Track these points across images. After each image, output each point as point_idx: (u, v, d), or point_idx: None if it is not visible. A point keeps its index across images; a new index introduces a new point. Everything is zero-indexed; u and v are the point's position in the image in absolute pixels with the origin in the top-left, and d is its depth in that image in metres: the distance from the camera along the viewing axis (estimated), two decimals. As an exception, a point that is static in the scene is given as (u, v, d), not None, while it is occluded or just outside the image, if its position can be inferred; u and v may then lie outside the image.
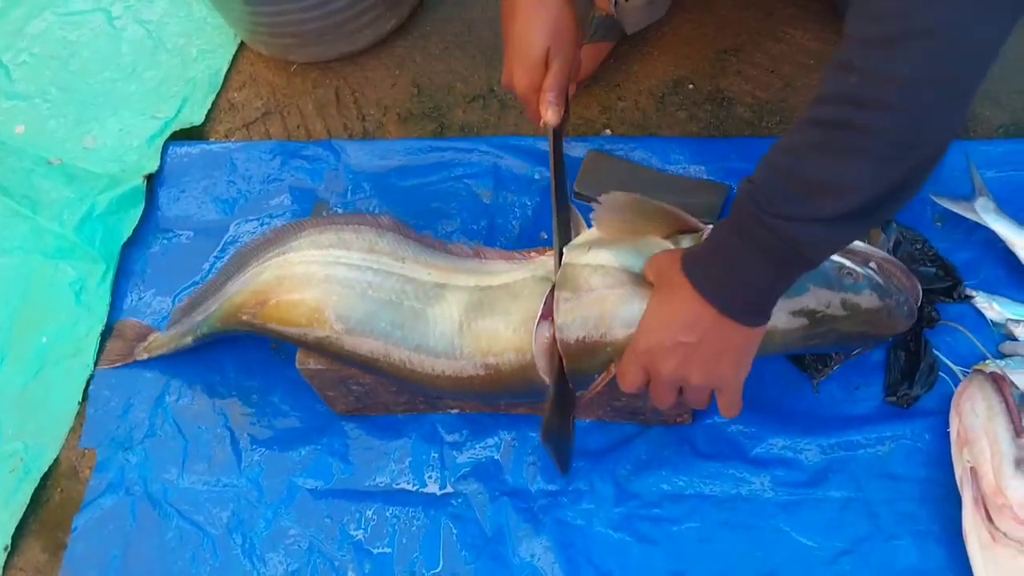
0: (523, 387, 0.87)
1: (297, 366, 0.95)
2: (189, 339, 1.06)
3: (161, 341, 1.10)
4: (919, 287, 0.87)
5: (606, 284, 0.83)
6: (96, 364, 1.13)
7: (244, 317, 0.96)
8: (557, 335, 0.84)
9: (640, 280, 0.82)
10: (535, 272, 0.88)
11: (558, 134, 0.91)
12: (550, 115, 0.88)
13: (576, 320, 0.83)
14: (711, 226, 0.82)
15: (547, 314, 0.85)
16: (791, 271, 0.72)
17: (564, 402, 0.87)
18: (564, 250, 0.87)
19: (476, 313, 0.87)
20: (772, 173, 0.69)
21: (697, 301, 0.74)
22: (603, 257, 0.84)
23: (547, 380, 0.86)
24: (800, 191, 0.67)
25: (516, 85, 0.90)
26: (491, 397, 0.93)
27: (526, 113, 0.93)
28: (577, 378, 0.86)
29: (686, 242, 0.83)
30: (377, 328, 0.88)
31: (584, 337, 0.83)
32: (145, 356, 1.11)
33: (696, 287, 0.74)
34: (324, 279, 0.90)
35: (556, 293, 0.84)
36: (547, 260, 0.89)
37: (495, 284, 0.89)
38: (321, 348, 0.92)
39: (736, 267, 0.72)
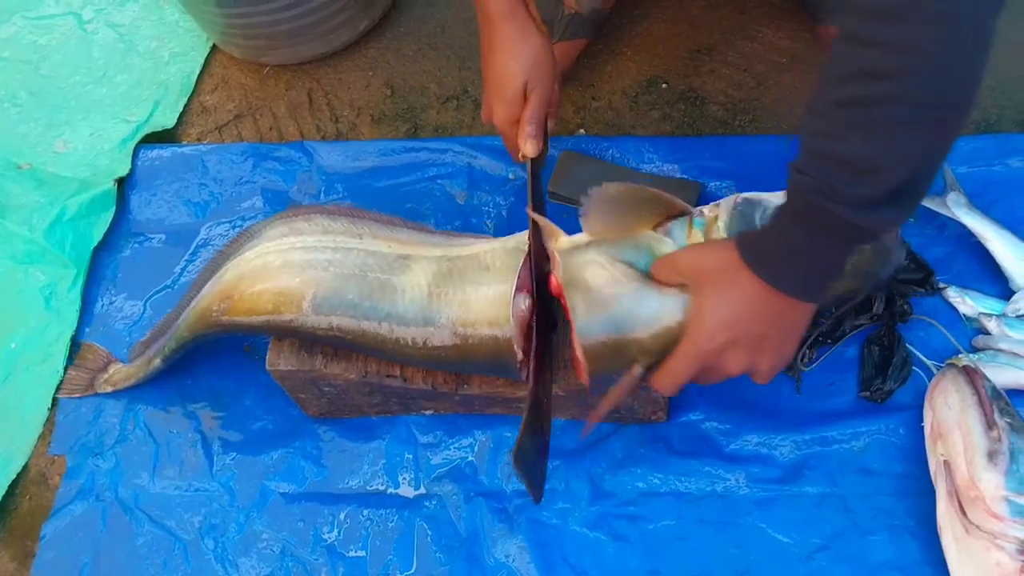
0: (493, 360, 0.86)
1: (267, 367, 0.94)
2: (158, 361, 1.05)
3: (125, 373, 1.09)
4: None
5: (616, 281, 0.80)
6: (57, 390, 1.11)
7: (212, 317, 0.95)
8: (577, 339, 0.80)
9: (648, 276, 0.80)
10: (505, 244, 0.87)
11: (536, 166, 0.91)
12: (529, 147, 0.89)
13: (597, 321, 0.80)
14: (700, 208, 0.82)
15: (522, 286, 0.84)
16: (855, 247, 0.72)
17: (539, 421, 0.85)
18: (558, 252, 0.84)
19: (446, 282, 0.86)
20: (820, 160, 0.68)
21: (764, 291, 0.73)
22: (604, 253, 0.82)
23: (521, 354, 0.85)
24: (851, 174, 0.66)
25: (495, 118, 0.91)
26: (460, 367, 0.91)
27: (505, 145, 0.93)
28: (596, 380, 0.84)
29: (677, 230, 0.82)
30: (344, 301, 0.88)
31: (607, 338, 0.80)
32: (108, 389, 1.09)
33: (763, 278, 0.72)
34: (282, 265, 0.90)
35: (566, 292, 0.81)
36: (517, 235, 0.88)
37: (463, 254, 0.88)
38: (291, 331, 0.91)
39: (804, 255, 0.71)
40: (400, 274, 0.89)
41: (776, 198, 0.79)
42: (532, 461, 0.84)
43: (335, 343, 0.92)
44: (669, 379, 0.79)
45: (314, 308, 0.89)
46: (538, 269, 0.87)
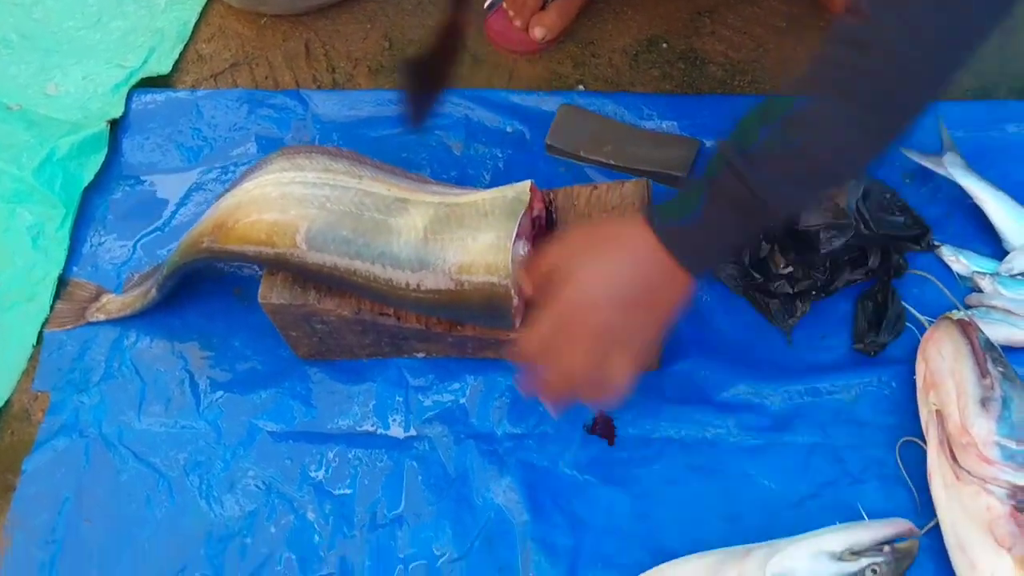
0: (487, 306, 0.86)
1: (260, 300, 0.93)
2: (153, 291, 1.04)
3: (120, 302, 1.08)
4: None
5: None
6: (44, 326, 1.09)
7: (204, 244, 0.94)
8: None
9: None
10: (504, 193, 0.87)
11: None
12: None
13: None
14: None
15: (522, 233, 0.84)
16: (756, 228, 0.74)
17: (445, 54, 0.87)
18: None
19: (443, 226, 0.86)
20: (750, 128, 0.70)
21: (652, 245, 0.73)
22: None
23: (516, 300, 0.85)
24: (782, 126, 0.67)
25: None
26: (453, 313, 0.91)
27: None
28: None
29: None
30: (338, 237, 0.87)
31: None
32: (101, 317, 1.08)
33: (675, 254, 0.72)
34: (280, 196, 0.89)
35: None
36: (516, 184, 0.88)
37: (462, 201, 0.88)
38: (283, 263, 0.90)
39: (713, 230, 0.72)
40: (397, 215, 0.88)
41: (803, 560, 0.77)
42: (419, 84, 0.86)
43: (327, 280, 0.91)
44: (527, 338, 0.77)
45: (307, 242, 0.88)
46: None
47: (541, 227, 0.91)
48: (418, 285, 0.87)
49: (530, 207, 0.87)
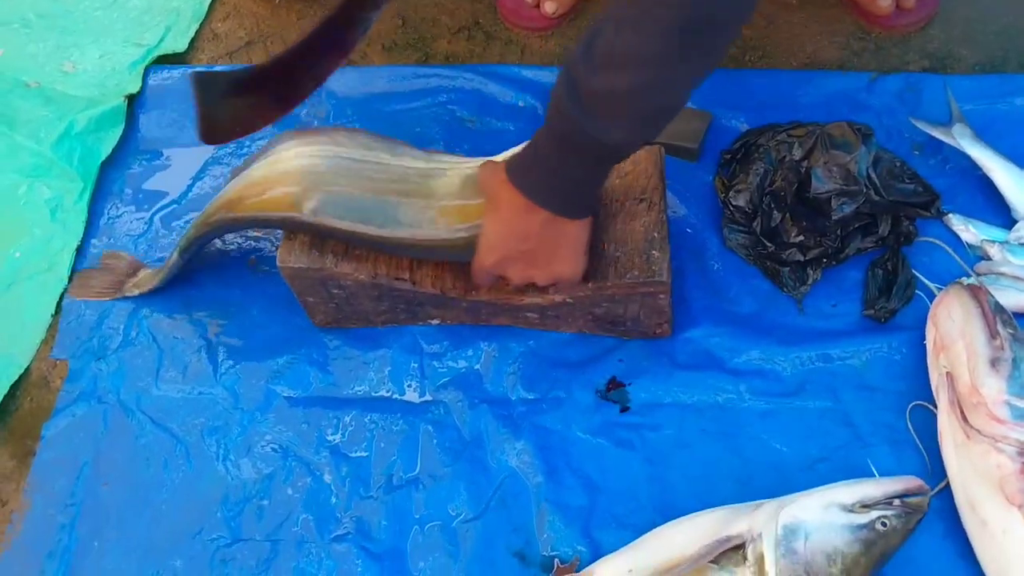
0: None
1: (278, 263, 0.94)
2: (175, 255, 1.05)
3: (149, 274, 1.09)
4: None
5: None
6: (67, 291, 1.11)
7: (225, 212, 0.96)
8: None
9: None
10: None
11: None
12: None
13: None
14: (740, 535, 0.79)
15: None
16: (604, 165, 0.79)
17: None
18: None
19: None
20: (579, 57, 0.72)
21: (527, 208, 0.80)
22: None
23: None
24: (600, 62, 0.70)
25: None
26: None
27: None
28: None
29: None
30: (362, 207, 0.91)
31: None
32: (136, 292, 1.09)
33: (525, 194, 0.79)
34: (311, 167, 0.93)
35: None
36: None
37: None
38: (300, 227, 0.93)
39: (557, 170, 0.78)
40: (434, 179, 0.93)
41: (815, 511, 0.78)
42: (219, 95, 0.86)
43: (350, 239, 0.93)
44: (475, 279, 0.90)
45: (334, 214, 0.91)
46: None
47: None
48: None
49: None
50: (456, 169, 0.92)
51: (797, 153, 0.99)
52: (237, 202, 0.95)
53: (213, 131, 0.88)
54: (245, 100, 0.88)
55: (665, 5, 0.66)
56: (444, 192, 0.90)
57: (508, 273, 0.87)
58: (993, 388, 0.83)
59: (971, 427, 0.84)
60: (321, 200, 0.90)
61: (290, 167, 0.93)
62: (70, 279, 1.12)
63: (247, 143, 1.20)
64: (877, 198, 0.96)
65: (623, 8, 0.69)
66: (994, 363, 0.84)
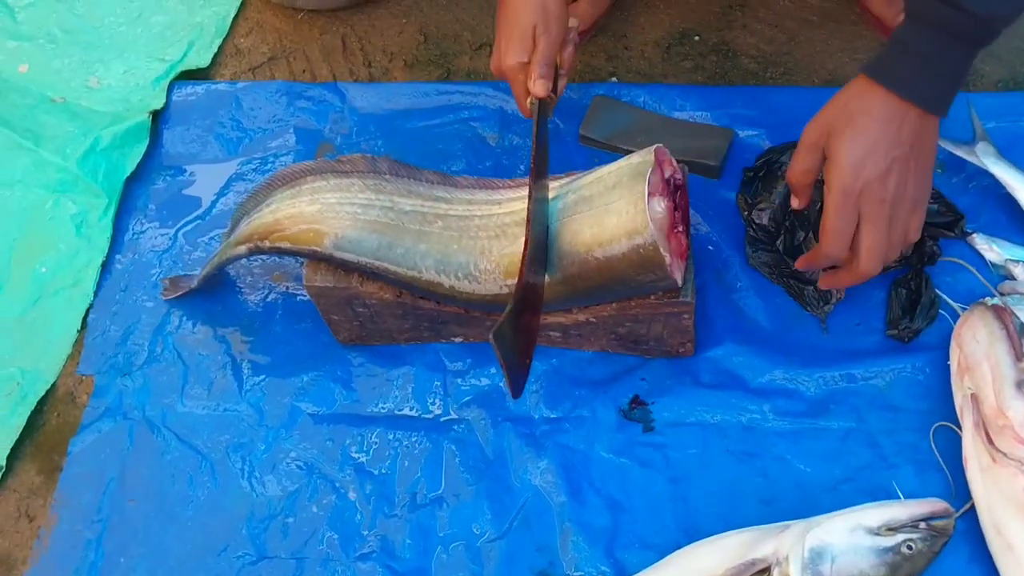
0: (639, 271, 0.85)
1: (304, 283, 0.95)
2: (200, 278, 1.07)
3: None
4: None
5: None
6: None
7: (256, 242, 0.97)
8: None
9: None
10: (629, 160, 0.86)
11: (543, 109, 0.91)
12: (538, 87, 0.90)
13: None
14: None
15: (655, 191, 0.84)
16: (975, 48, 0.76)
17: (527, 309, 0.83)
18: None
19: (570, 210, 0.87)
20: None
21: (896, 106, 0.76)
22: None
23: (668, 257, 0.83)
24: None
25: (504, 62, 0.92)
26: (603, 293, 0.90)
27: (514, 93, 0.94)
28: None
29: None
30: (393, 254, 0.90)
31: None
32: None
33: (894, 90, 0.76)
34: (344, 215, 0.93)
35: None
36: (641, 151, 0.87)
37: (584, 182, 0.88)
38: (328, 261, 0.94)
39: (929, 57, 0.75)
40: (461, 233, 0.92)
41: (841, 534, 0.78)
42: (513, 347, 0.80)
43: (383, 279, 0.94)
44: (827, 235, 0.81)
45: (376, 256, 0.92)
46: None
47: (680, 189, 0.89)
48: (471, 291, 0.89)
49: (659, 167, 0.85)
50: (494, 214, 0.91)
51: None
52: (264, 235, 0.96)
53: (521, 385, 0.83)
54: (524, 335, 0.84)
55: None
56: (486, 238, 0.89)
57: (875, 194, 0.78)
58: (1019, 411, 0.83)
59: (997, 450, 0.83)
60: (348, 241, 0.91)
61: (315, 207, 0.93)
62: (95, 294, 1.13)
63: (271, 159, 1.21)
64: (901, 218, 0.96)
65: None
66: (1020, 385, 0.84)
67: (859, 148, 0.78)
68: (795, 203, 0.89)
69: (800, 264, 0.91)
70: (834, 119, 0.80)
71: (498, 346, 0.75)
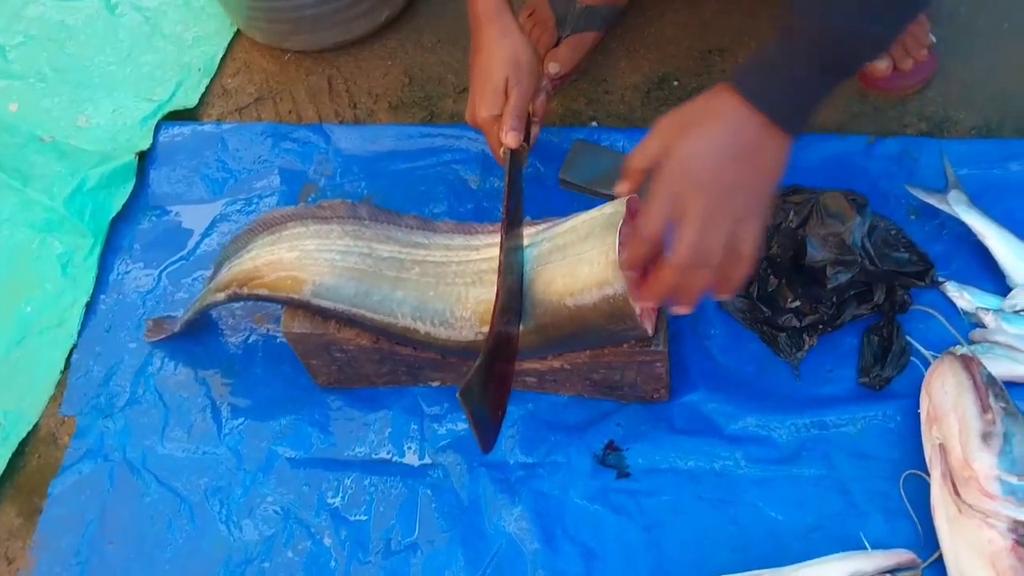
0: (610, 321, 0.86)
1: (282, 329, 0.96)
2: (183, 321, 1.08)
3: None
4: None
5: None
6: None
7: (234, 288, 0.99)
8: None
9: None
10: (601, 211, 0.88)
11: (516, 160, 0.93)
12: (510, 139, 0.92)
13: None
14: None
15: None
16: (834, 76, 0.77)
17: (496, 363, 0.83)
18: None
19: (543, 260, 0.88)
20: None
21: (745, 115, 0.75)
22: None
23: (638, 307, 0.83)
24: None
25: (478, 114, 0.94)
26: (574, 341, 0.91)
27: (488, 143, 0.96)
28: None
29: None
30: (370, 300, 0.92)
31: None
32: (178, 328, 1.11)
33: (746, 98, 0.75)
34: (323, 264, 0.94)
35: None
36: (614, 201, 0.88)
37: (558, 231, 0.90)
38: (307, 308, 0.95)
39: (787, 72, 0.75)
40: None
41: None
42: (482, 401, 0.81)
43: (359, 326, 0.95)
44: (646, 215, 0.78)
45: (354, 303, 0.93)
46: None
47: None
48: (448, 337, 0.90)
49: (631, 217, 0.86)
50: (471, 260, 0.93)
51: (793, 221, 1.00)
52: (243, 282, 0.97)
53: (491, 439, 0.84)
54: (496, 386, 0.85)
55: None
56: (463, 285, 0.91)
57: (699, 188, 0.75)
58: (984, 463, 0.84)
59: (963, 501, 0.84)
60: (326, 288, 0.92)
61: (295, 254, 0.95)
62: (79, 334, 1.14)
63: (255, 200, 1.22)
64: (872, 267, 0.97)
65: None
66: (985, 437, 0.85)
67: (697, 144, 0.77)
68: (621, 188, 0.85)
69: (626, 263, 0.83)
70: (688, 114, 0.79)
71: (465, 403, 0.76)
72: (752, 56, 0.79)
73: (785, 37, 0.77)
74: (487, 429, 0.82)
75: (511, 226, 0.90)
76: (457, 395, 0.76)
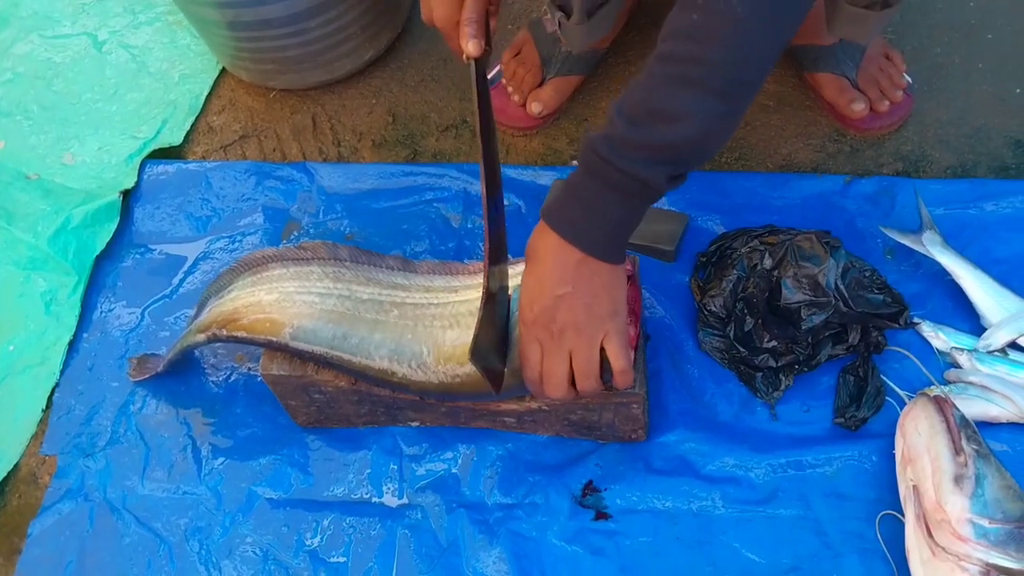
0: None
1: (260, 371, 0.97)
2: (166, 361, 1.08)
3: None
4: None
5: None
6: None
7: (214, 330, 0.99)
8: None
9: None
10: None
11: (480, 67, 0.91)
12: (471, 47, 0.89)
13: None
14: None
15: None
16: (639, 204, 0.79)
17: (495, 315, 0.88)
18: None
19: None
20: (617, 113, 0.76)
21: (562, 248, 0.79)
22: None
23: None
24: (641, 119, 0.74)
25: (435, 18, 0.92)
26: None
27: (449, 46, 0.93)
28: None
29: None
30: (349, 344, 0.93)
31: None
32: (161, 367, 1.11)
33: (557, 231, 0.79)
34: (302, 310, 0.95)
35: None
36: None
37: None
38: (301, 356, 0.96)
39: (590, 206, 0.78)
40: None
41: None
42: (489, 356, 0.86)
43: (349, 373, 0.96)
44: (522, 359, 0.84)
45: (331, 346, 0.94)
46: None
47: (630, 280, 0.91)
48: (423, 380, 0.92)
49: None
50: (450, 302, 0.94)
51: (768, 262, 1.01)
52: (222, 324, 0.98)
53: (500, 381, 0.89)
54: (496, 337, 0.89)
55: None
56: (440, 328, 0.93)
57: (547, 328, 0.81)
58: (957, 506, 0.84)
59: (936, 544, 0.85)
60: (304, 331, 0.93)
61: (274, 296, 0.96)
62: (62, 373, 1.15)
63: (239, 238, 1.23)
64: (846, 309, 0.98)
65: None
66: (957, 480, 0.86)
67: (532, 284, 0.82)
68: None
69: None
70: (528, 252, 0.83)
71: (478, 362, 0.83)
72: (560, 189, 0.80)
73: (582, 167, 0.78)
74: (498, 376, 0.87)
75: (493, 261, 0.89)
76: (469, 359, 0.81)
